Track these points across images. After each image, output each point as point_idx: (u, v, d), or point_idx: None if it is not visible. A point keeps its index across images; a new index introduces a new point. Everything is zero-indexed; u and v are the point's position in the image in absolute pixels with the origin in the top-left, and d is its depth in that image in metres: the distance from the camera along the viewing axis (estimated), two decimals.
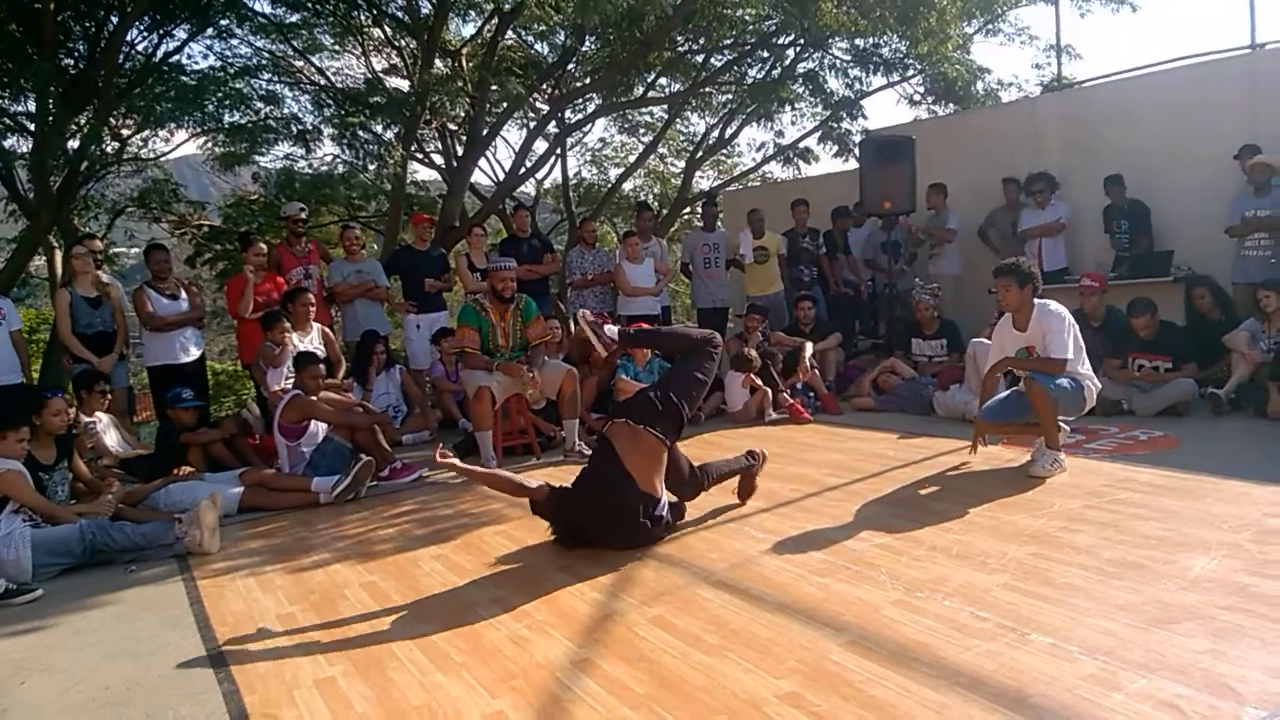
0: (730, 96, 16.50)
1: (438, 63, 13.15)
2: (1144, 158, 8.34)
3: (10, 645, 3.57)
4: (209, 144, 11.98)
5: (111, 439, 6.85)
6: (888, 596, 3.26)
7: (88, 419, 6.59)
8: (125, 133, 12.22)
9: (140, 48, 11.79)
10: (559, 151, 17.40)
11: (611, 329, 4.73)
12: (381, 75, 14.66)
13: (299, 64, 13.92)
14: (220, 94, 10.88)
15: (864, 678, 2.64)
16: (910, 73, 14.74)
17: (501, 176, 16.87)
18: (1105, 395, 6.07)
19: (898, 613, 3.10)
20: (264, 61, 12.97)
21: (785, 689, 2.62)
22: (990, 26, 14.52)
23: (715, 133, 18.00)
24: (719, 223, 10.31)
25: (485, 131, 13.97)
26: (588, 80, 15.20)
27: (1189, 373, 6.50)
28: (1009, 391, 5.25)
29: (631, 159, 19.02)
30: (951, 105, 14.69)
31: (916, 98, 15.47)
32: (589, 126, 18.05)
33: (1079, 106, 9.54)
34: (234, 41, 12.78)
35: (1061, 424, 5.01)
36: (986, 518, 4.21)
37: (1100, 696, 2.42)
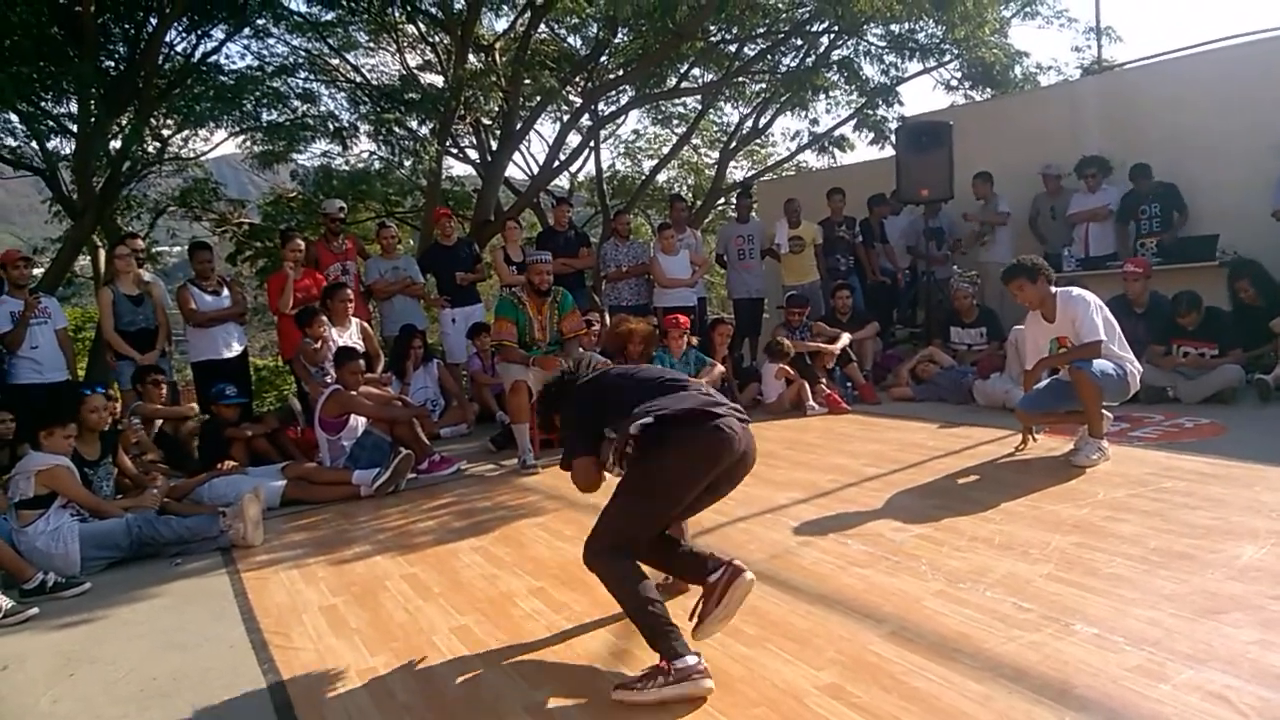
0: (764, 85, 16.38)
1: (471, 58, 13.20)
2: (1187, 140, 8.19)
3: (59, 637, 3.64)
4: (248, 143, 12.11)
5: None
6: (929, 587, 3.23)
7: (152, 415, 6.72)
8: (166, 133, 12.41)
9: (179, 48, 11.96)
10: (592, 144, 17.40)
11: None
12: (416, 71, 14.75)
13: (334, 62, 14.05)
14: (258, 93, 11.00)
15: (905, 669, 2.63)
16: (947, 58, 14.57)
17: (536, 170, 16.90)
18: (1150, 382, 5.97)
19: (939, 604, 3.08)
20: (300, 60, 13.09)
21: (825, 680, 2.61)
22: (1028, 9, 14.32)
23: (749, 122, 17.91)
24: (754, 213, 10.26)
25: (519, 125, 13.99)
26: (620, 72, 15.18)
27: (1235, 359, 6.37)
28: (1049, 380, 5.18)
29: (665, 150, 18.97)
30: (989, 90, 14.50)
31: (954, 83, 15.29)
32: (622, 118, 18.06)
33: (1120, 89, 9.38)
34: (270, 40, 12.94)
35: (1104, 412, 4.94)
36: (1029, 508, 4.16)
37: (1147, 688, 2.39)
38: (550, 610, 3.39)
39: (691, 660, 2.60)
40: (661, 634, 2.66)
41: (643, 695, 2.57)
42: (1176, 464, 4.68)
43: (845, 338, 8.03)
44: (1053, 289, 5.02)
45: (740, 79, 15.87)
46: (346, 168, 12.97)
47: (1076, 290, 5.02)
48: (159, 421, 6.92)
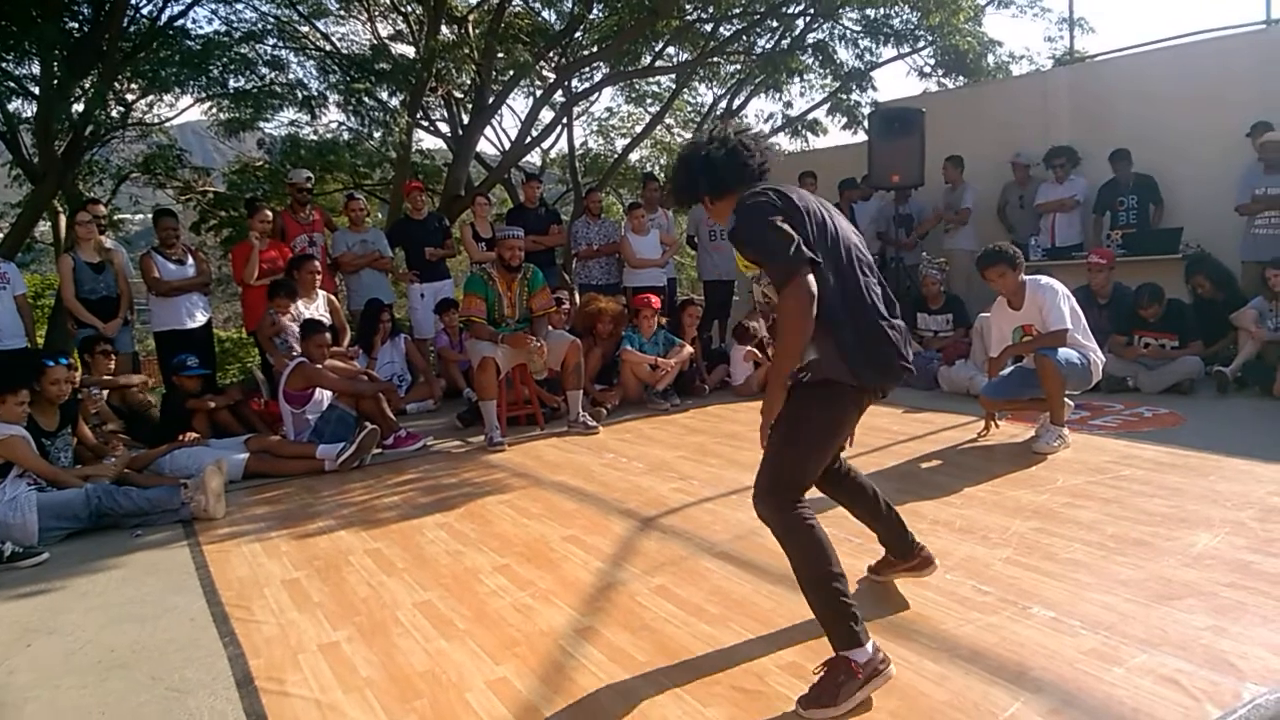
0: (738, 67, 16.37)
1: (444, 29, 13.05)
2: (1155, 133, 8.27)
3: (17, 608, 3.59)
4: (214, 109, 11.90)
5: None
6: None
7: (93, 385, 6.62)
8: (130, 97, 12.13)
9: (145, 11, 11.72)
10: (565, 121, 17.29)
11: None
12: (387, 41, 14.55)
13: (304, 29, 13.82)
14: (225, 59, 10.80)
15: None
16: (921, 44, 14.61)
17: (507, 145, 16.78)
18: (1111, 372, 6.06)
19: (899, 585, 3.11)
20: (269, 26, 12.85)
21: (787, 659, 2.63)
22: None
23: (723, 103, 17.88)
24: None
25: (491, 100, 13.88)
26: (595, 49, 15.07)
27: (1195, 350, 6.48)
28: (1012, 368, 5.24)
29: (638, 129, 18.89)
30: (962, 78, 14.58)
31: (927, 70, 15.37)
32: (596, 96, 17.94)
33: (1091, 80, 9.46)
34: (239, 5, 12.70)
35: (1066, 400, 5.00)
36: (990, 493, 4.21)
37: (1101, 671, 2.43)
38: (515, 587, 3.40)
39: (871, 649, 2.37)
40: (843, 614, 2.40)
41: (842, 708, 2.30)
42: (1135, 452, 4.76)
43: None
44: (1022, 277, 5.07)
45: (715, 59, 15.82)
46: (315, 138, 12.81)
47: (1045, 279, 5.08)
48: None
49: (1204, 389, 6.36)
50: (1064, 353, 4.89)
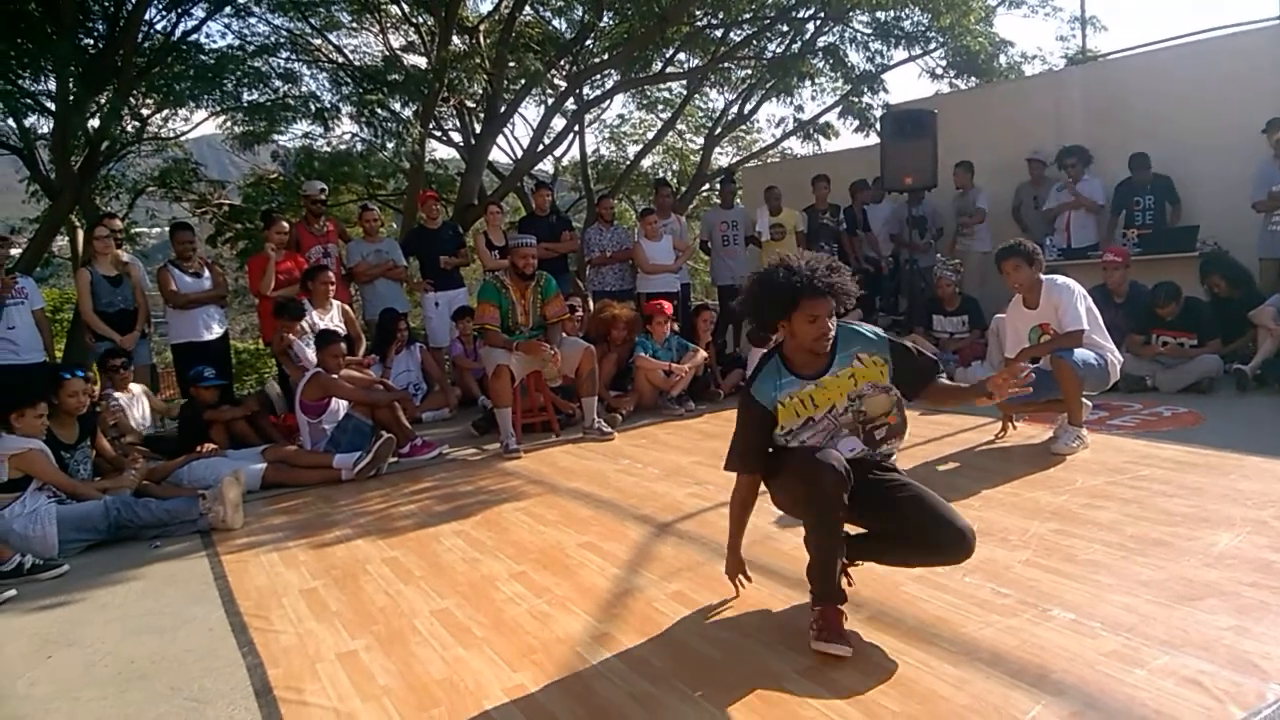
0: (749, 71, 16.38)
1: (455, 39, 13.11)
2: (1170, 131, 8.23)
3: (37, 620, 3.61)
4: (228, 123, 11.99)
5: (140, 411, 6.96)
6: (908, 572, 3.24)
7: (116, 394, 6.69)
8: (145, 112, 12.25)
9: (159, 26, 11.78)
10: (577, 128, 17.33)
11: None
12: (399, 53, 14.62)
13: (317, 42, 13.90)
14: (239, 72, 10.88)
15: (884, 653, 2.64)
16: (932, 46, 14.59)
17: (520, 154, 16.84)
18: (1129, 371, 6.02)
19: (918, 589, 3.09)
20: (282, 39, 12.91)
21: (805, 664, 2.62)
22: None
23: (734, 108, 17.89)
24: (738, 199, 10.24)
25: (503, 109, 13.93)
26: (606, 56, 15.12)
27: (1214, 349, 6.43)
28: (1029, 370, 5.20)
29: (650, 136, 18.93)
30: (974, 79, 14.54)
31: (939, 71, 15.33)
32: (607, 103, 17.98)
33: (1104, 79, 9.42)
34: (252, 19, 12.77)
35: (1084, 400, 4.97)
36: (1008, 494, 4.18)
37: (1122, 673, 2.41)
38: (531, 594, 3.40)
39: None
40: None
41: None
42: (1154, 452, 4.73)
43: None
44: (1040, 276, 5.04)
45: (726, 64, 15.84)
46: (328, 149, 12.88)
47: (1062, 278, 5.04)
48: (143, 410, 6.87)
49: (1223, 387, 6.30)
50: (1081, 353, 4.85)
